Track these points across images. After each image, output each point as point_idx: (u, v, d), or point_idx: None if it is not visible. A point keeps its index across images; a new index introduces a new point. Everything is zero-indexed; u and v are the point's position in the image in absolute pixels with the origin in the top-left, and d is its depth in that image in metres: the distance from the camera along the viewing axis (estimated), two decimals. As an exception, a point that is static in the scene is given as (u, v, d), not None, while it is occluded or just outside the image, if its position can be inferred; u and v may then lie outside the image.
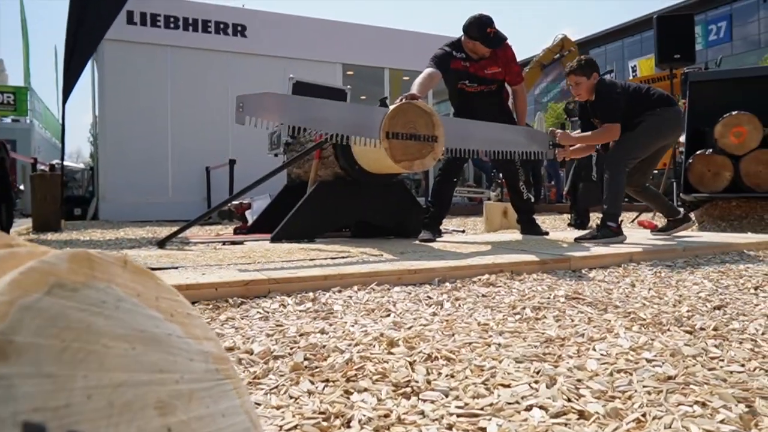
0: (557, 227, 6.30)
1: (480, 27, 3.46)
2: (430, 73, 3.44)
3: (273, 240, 3.57)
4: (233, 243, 3.60)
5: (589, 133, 3.65)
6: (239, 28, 9.83)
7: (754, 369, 1.21)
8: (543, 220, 7.34)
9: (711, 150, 4.98)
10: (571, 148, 3.68)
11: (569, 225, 6.04)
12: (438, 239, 3.69)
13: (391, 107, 3.01)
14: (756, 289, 2.17)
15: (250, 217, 4.58)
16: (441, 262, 2.46)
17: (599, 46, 51.98)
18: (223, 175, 8.94)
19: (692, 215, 3.78)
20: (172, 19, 9.30)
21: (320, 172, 3.88)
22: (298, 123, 2.87)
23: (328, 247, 3.16)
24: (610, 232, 3.33)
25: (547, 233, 3.99)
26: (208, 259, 2.58)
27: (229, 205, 4.65)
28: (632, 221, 6.59)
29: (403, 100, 3.04)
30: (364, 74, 11.47)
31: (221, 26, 9.71)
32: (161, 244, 3.33)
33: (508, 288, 2.23)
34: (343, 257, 2.66)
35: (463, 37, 3.60)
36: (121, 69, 8.99)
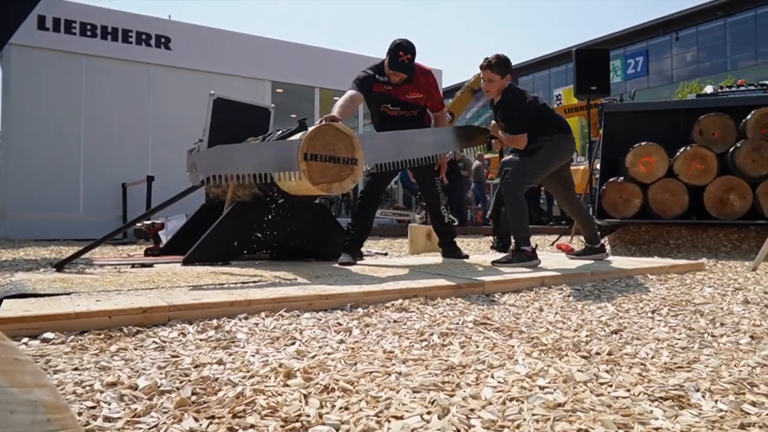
0: (481, 249, 6.43)
1: (394, 51, 3.50)
2: (352, 96, 3.44)
3: (185, 263, 3.43)
4: (142, 266, 3.43)
5: (509, 137, 3.67)
6: (163, 40, 9.55)
7: (639, 394, 1.24)
8: (468, 243, 7.48)
9: (622, 178, 5.24)
10: (502, 137, 3.70)
11: (492, 248, 6.17)
12: (358, 262, 3.66)
13: (310, 129, 2.98)
14: (653, 312, 2.27)
15: (164, 237, 4.39)
16: (354, 287, 2.43)
17: (528, 74, 54.30)
18: (141, 192, 8.59)
19: (607, 249, 3.93)
20: (89, 27, 8.91)
21: (238, 192, 3.78)
22: (249, 171, 2.87)
23: (241, 271, 3.06)
24: (524, 256, 3.41)
25: (467, 257, 4.05)
26: (107, 283, 2.43)
27: (141, 224, 4.44)
28: (552, 244, 6.83)
29: (323, 122, 3.01)
30: (294, 93, 11.41)
31: (143, 37, 9.40)
32: (59, 266, 3.12)
33: (420, 313, 2.23)
34: (254, 282, 2.58)
35: (385, 60, 3.63)
36: (29, 76, 8.49)
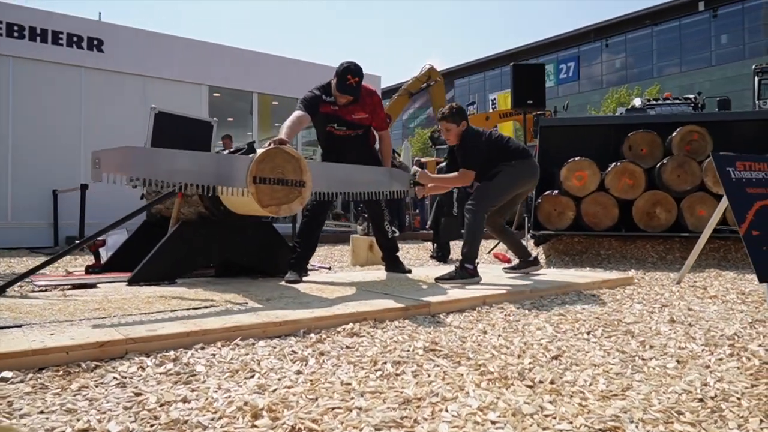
0: (420, 258, 6.59)
1: (342, 74, 3.57)
2: (299, 117, 3.48)
3: (130, 282, 3.37)
4: (84, 286, 3.35)
5: (447, 175, 3.95)
6: (95, 42, 9.20)
7: (580, 426, 1.37)
8: (408, 249, 7.63)
9: (557, 191, 5.49)
10: (429, 186, 3.88)
11: (431, 257, 6.33)
12: (304, 279, 3.70)
13: (259, 152, 3.00)
14: (588, 333, 2.43)
15: (104, 253, 4.28)
16: (306, 312, 2.48)
17: (463, 77, 55.45)
18: (72, 199, 8.28)
19: (540, 260, 4.14)
20: (15, 28, 8.49)
21: (183, 210, 3.74)
22: (159, 177, 2.78)
23: (190, 292, 3.05)
24: (467, 273, 3.55)
25: (409, 271, 4.16)
26: (57, 312, 2.38)
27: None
28: (489, 252, 7.06)
29: (272, 145, 3.04)
30: (232, 97, 11.25)
31: (74, 39, 9.03)
32: (1, 289, 3.00)
33: (371, 338, 2.31)
34: (206, 306, 2.58)
35: (333, 81, 3.68)
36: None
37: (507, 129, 25.73)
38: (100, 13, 15.06)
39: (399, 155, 21.38)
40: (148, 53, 9.56)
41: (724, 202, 3.59)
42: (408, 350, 2.10)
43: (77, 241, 3.50)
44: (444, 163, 5.80)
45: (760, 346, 2.19)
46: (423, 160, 20.61)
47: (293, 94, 11.21)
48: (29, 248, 8.16)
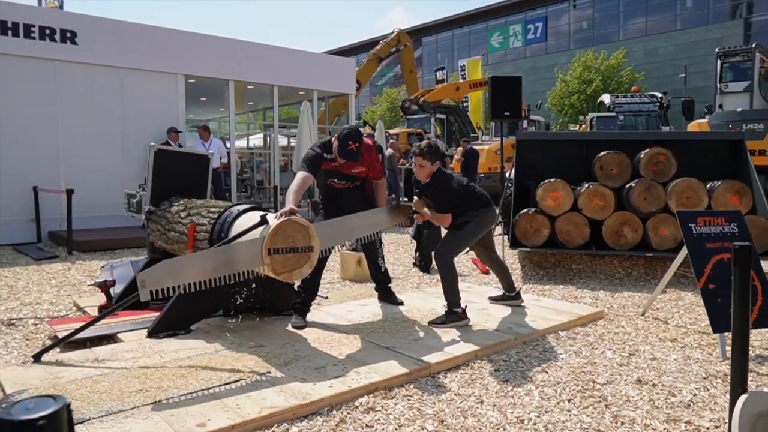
0: (402, 260, 6.95)
1: (343, 140, 3.81)
2: (304, 178, 3.73)
3: (150, 335, 3.65)
4: (104, 336, 3.62)
5: (434, 215, 4.08)
6: (68, 35, 9.01)
7: None
8: (388, 245, 7.95)
9: (534, 209, 5.87)
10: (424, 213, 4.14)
11: (414, 264, 6.69)
12: (307, 318, 4.02)
13: (272, 225, 3.25)
14: (569, 401, 2.84)
15: (116, 284, 4.47)
16: (326, 387, 2.82)
17: (431, 35, 54.93)
18: (54, 198, 8.35)
19: (522, 297, 4.54)
20: (-15, 23, 8.29)
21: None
22: (202, 278, 3.11)
23: (215, 356, 3.34)
24: (456, 317, 3.93)
25: (401, 303, 4.52)
26: (105, 395, 2.65)
27: (92, 282, 4.50)
28: (466, 252, 7.46)
29: (282, 217, 3.29)
30: (207, 84, 11.18)
31: (47, 32, 8.83)
32: (37, 357, 3.23)
33: (386, 414, 2.67)
34: (235, 381, 2.90)
35: (333, 139, 3.92)
36: None
37: (476, 98, 26.03)
38: (62, 2, 14.44)
39: (374, 130, 21.47)
40: (123, 44, 9.41)
41: (683, 252, 4.01)
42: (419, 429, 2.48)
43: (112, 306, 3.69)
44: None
45: (710, 421, 2.64)
46: (392, 132, 20.84)
47: (268, 80, 11.27)
48: (13, 245, 8.23)
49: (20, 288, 5.51)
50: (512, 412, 2.72)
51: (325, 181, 4.06)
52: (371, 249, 4.40)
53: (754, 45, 13.19)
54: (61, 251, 7.72)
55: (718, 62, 13.69)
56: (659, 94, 13.19)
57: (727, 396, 2.92)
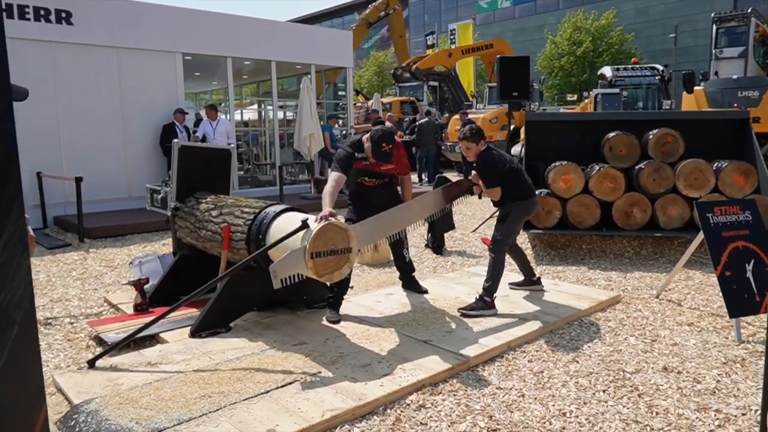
0: (414, 243, 7.10)
1: (377, 141, 3.90)
2: (338, 179, 3.84)
3: (193, 335, 3.78)
4: (147, 336, 3.75)
5: (488, 189, 4.30)
6: (63, 15, 8.84)
7: None
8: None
9: (545, 192, 6.02)
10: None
11: (426, 246, 6.84)
12: (341, 311, 4.18)
13: (314, 230, 3.36)
14: (604, 392, 3.04)
15: (149, 281, 4.57)
16: (378, 387, 2.99)
17: (415, -6, 53.92)
18: (57, 183, 8.36)
19: (542, 283, 4.72)
20: (-21, 5, 8.10)
21: (231, 259, 4.10)
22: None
23: (263, 356, 3.49)
24: (485, 305, 4.11)
25: (426, 291, 4.69)
26: (170, 402, 2.80)
27: (128, 281, 4.59)
28: (473, 231, 7.63)
29: (323, 221, 3.40)
30: (204, 60, 11.07)
31: (41, 12, 8.67)
32: (92, 363, 3.36)
33: (436, 411, 2.86)
34: (290, 383, 3.06)
35: (364, 139, 4.01)
36: None
37: (467, 65, 25.84)
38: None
39: (367, 99, 21.26)
40: (119, 23, 9.26)
41: (699, 238, 4.20)
42: (472, 428, 2.67)
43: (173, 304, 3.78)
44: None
45: (737, 409, 2.85)
46: (384, 101, 20.73)
47: (266, 56, 11.16)
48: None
49: (43, 282, 5.60)
50: (553, 405, 2.91)
51: (356, 179, 4.16)
52: (398, 241, 4.54)
53: (750, 9, 13.20)
54: (71, 238, 7.77)
55: (714, 27, 13.69)
56: (660, 67, 13.25)
57: (748, 381, 3.16)
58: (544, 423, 2.75)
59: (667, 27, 34.92)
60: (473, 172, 4.40)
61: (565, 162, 5.95)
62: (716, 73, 13.10)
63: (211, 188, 4.78)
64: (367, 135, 4.02)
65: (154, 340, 3.89)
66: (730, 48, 13.61)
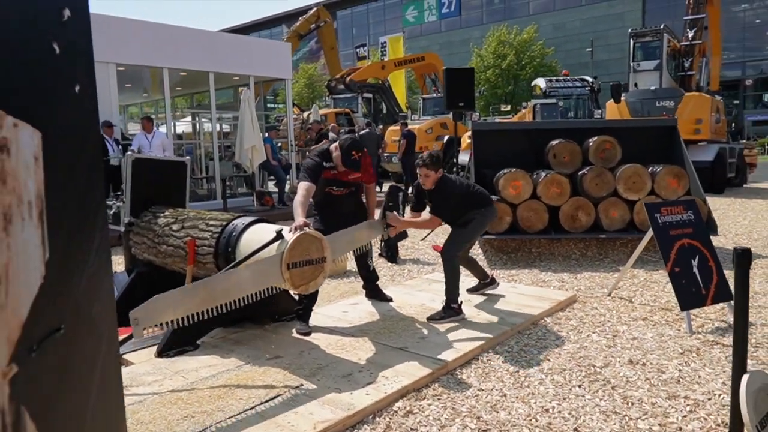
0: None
1: (347, 150, 3.91)
2: (308, 188, 3.82)
3: (160, 355, 3.64)
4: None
5: (416, 219, 4.44)
6: (-15, 22, 8.34)
7: None
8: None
9: (496, 198, 6.19)
10: (399, 226, 4.34)
11: (380, 255, 6.87)
12: (310, 323, 4.13)
13: (290, 240, 3.32)
14: (579, 387, 3.17)
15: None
16: (364, 396, 2.98)
17: (346, 8, 54.45)
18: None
19: (497, 281, 4.86)
20: None
21: (197, 274, 3.96)
22: (201, 308, 3.12)
23: (239, 372, 3.40)
24: (453, 312, 4.19)
25: (391, 299, 4.72)
26: (150, 422, 2.69)
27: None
28: (423, 239, 7.74)
29: (298, 231, 3.37)
30: (138, 71, 10.71)
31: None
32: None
33: (424, 416, 2.88)
34: (274, 397, 3.00)
35: (332, 148, 4.01)
36: None
37: (400, 78, 26.22)
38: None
39: (302, 112, 21.10)
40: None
41: (647, 237, 4.46)
42: (463, 430, 2.72)
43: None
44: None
45: (703, 394, 3.05)
46: (322, 112, 20.69)
47: (204, 67, 10.92)
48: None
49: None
50: (535, 402, 3.01)
51: (323, 189, 4.14)
52: (362, 251, 4.55)
53: (662, 26, 14.20)
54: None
55: (631, 42, 14.62)
56: (590, 78, 13.99)
57: (706, 369, 3.39)
58: (531, 420, 2.83)
59: (584, 41, 36.89)
60: (389, 213, 4.30)
61: (514, 169, 6.17)
62: (635, 85, 13.98)
63: (167, 202, 4.62)
64: (336, 144, 4.03)
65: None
66: (646, 61, 14.55)
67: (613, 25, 36.63)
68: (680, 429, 2.72)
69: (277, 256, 3.30)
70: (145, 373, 3.40)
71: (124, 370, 3.49)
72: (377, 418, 2.87)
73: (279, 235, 3.42)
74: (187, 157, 4.82)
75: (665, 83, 13.90)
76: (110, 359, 1.26)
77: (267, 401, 2.96)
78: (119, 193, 4.69)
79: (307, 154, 4.18)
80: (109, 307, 1.25)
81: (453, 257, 4.26)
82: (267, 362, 3.50)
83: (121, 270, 5.07)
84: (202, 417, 2.80)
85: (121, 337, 3.46)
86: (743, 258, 2.52)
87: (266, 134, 11.35)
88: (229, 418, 2.79)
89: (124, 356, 3.70)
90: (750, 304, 4.54)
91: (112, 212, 4.72)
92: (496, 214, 4.51)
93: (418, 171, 4.20)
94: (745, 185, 15.34)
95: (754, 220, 8.92)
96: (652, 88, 13.35)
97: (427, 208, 4.40)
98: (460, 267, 4.37)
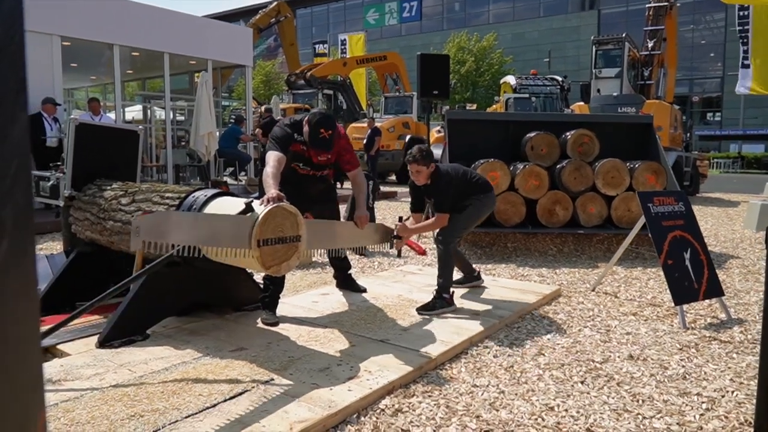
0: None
1: (315, 126, 3.48)
2: (278, 158, 3.38)
3: (102, 345, 3.13)
4: (44, 350, 3.04)
5: (424, 223, 4.10)
6: None
7: None
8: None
9: (471, 190, 5.89)
10: (407, 236, 4.03)
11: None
12: (277, 312, 3.70)
13: (261, 213, 2.90)
14: (582, 383, 2.86)
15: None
16: (346, 392, 2.58)
17: (306, 7, 53.82)
18: None
19: (482, 277, 4.55)
20: None
21: (149, 257, 3.47)
22: (197, 243, 2.86)
23: (197, 365, 2.95)
24: (444, 303, 3.83)
25: (365, 290, 4.33)
26: (87, 422, 2.21)
27: None
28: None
29: (271, 203, 2.95)
30: (85, 47, 9.97)
31: None
32: None
33: (415, 415, 2.51)
34: (240, 393, 2.56)
35: (304, 121, 3.58)
36: None
37: (360, 76, 25.84)
38: None
39: (260, 105, 20.47)
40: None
41: (635, 229, 4.24)
42: (463, 431, 2.36)
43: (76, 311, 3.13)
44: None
45: (715, 391, 2.79)
46: (282, 106, 20.10)
47: (159, 47, 10.26)
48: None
49: None
50: (537, 400, 2.68)
51: (290, 164, 3.68)
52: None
53: (624, 35, 14.35)
54: None
55: (593, 49, 14.73)
56: (559, 78, 13.99)
57: (710, 365, 3.14)
58: (537, 419, 2.50)
59: (541, 52, 37.51)
60: (398, 224, 4.03)
61: (492, 159, 5.89)
62: (598, 90, 14.07)
63: (115, 175, 4.09)
64: (307, 117, 3.59)
65: (48, 353, 3.18)
66: (608, 68, 14.69)
67: (569, 38, 37.40)
68: (701, 428, 2.43)
69: (245, 228, 2.86)
70: (83, 365, 2.89)
71: (55, 362, 2.97)
72: (362, 417, 2.47)
73: (249, 208, 2.98)
74: (140, 127, 4.30)
75: (625, 90, 14.04)
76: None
77: (231, 398, 2.52)
78: (59, 163, 4.13)
79: (277, 124, 3.72)
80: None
81: (449, 244, 3.93)
82: (229, 354, 3.05)
83: (60, 251, 4.51)
84: (153, 416, 2.33)
85: (50, 326, 2.97)
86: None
87: (235, 124, 10.78)
88: (186, 417, 2.34)
89: (58, 347, 3.18)
90: (737, 302, 4.40)
91: (50, 184, 4.15)
92: (494, 202, 4.20)
93: (408, 168, 3.85)
94: (697, 194, 15.67)
95: (716, 225, 8.96)
96: (615, 94, 13.45)
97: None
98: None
